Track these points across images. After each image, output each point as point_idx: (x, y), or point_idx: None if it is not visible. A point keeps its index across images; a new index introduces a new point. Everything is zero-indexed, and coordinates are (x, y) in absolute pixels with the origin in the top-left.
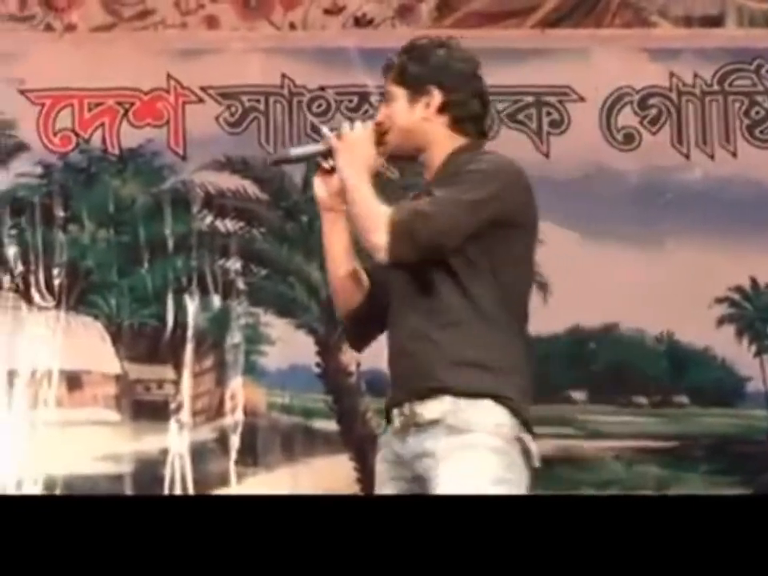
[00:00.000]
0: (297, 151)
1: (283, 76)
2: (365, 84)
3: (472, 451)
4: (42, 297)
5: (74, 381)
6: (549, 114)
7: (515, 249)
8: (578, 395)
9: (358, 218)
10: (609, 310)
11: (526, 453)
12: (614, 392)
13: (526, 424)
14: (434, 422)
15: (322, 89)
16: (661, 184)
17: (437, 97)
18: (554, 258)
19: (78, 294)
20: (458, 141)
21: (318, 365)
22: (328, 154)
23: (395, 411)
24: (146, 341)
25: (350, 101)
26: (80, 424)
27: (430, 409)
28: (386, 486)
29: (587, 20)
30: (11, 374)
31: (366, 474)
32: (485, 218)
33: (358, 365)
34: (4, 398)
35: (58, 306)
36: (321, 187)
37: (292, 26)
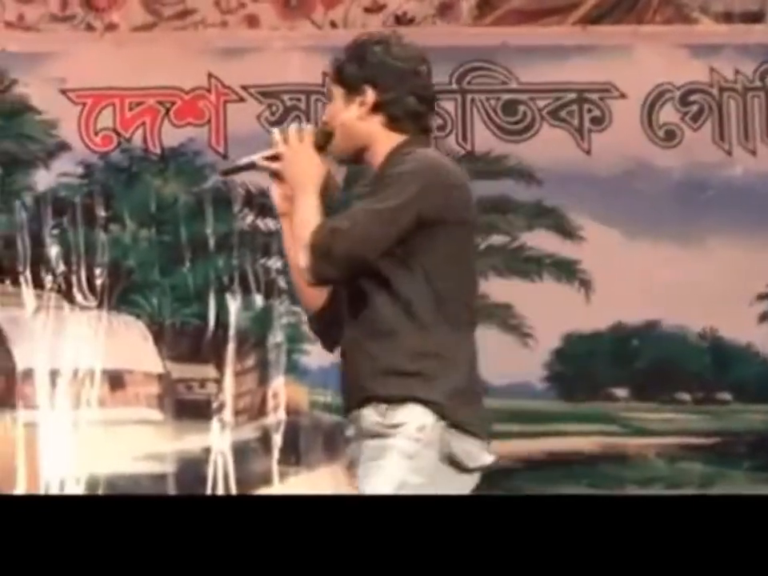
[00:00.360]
0: (245, 160)
1: (324, 74)
2: None
3: (383, 456)
4: (84, 296)
5: (116, 380)
6: (590, 110)
7: (447, 249)
8: (621, 392)
9: (290, 245)
10: (651, 307)
11: (450, 456)
12: (656, 389)
13: (458, 426)
14: (364, 431)
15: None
16: (702, 181)
17: (370, 96)
18: (596, 256)
19: (119, 294)
20: (397, 139)
21: None
22: (277, 159)
23: (345, 421)
24: (188, 340)
25: None
26: (122, 423)
27: (364, 417)
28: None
29: (628, 17)
30: (54, 374)
31: None
32: (406, 223)
33: None
34: (47, 397)
35: (100, 305)
36: (275, 192)
37: (333, 25)
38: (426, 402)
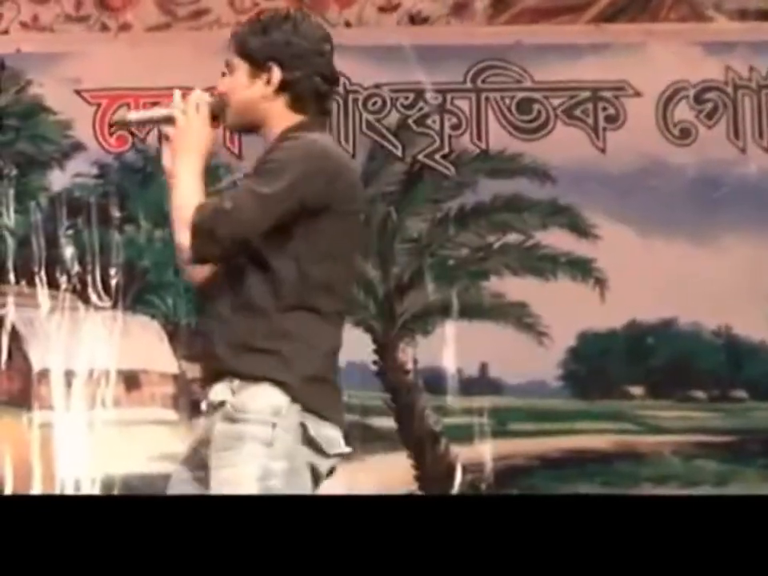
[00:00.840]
0: (135, 115)
1: (338, 74)
2: (420, 81)
3: (238, 446)
4: (99, 297)
5: (131, 380)
6: (605, 108)
7: (328, 237)
8: (636, 390)
9: (172, 213)
10: (666, 305)
11: (309, 440)
12: (671, 387)
13: (312, 411)
14: (218, 406)
15: (377, 86)
16: (717, 178)
17: (276, 74)
18: (610, 254)
19: (134, 294)
20: (294, 119)
21: (375, 362)
22: (169, 121)
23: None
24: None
25: (406, 98)
26: (138, 423)
27: (215, 391)
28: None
29: (643, 15)
30: (69, 374)
31: (423, 471)
32: (284, 209)
33: (416, 362)
34: (62, 398)
35: (114, 305)
36: (166, 155)
37: (347, 24)
38: (280, 383)
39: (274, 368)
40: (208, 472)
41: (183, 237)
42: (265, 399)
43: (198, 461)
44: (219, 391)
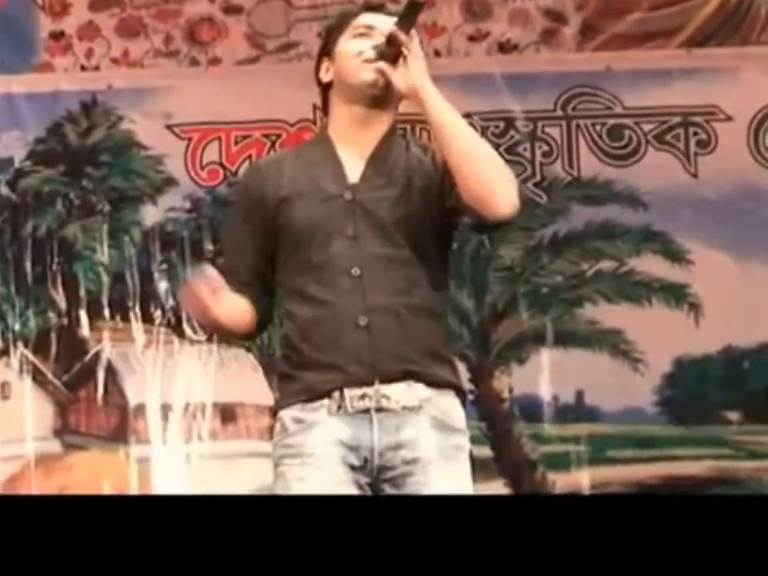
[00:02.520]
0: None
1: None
2: (510, 110)
3: (462, 457)
4: (194, 330)
5: (227, 413)
6: (696, 133)
7: None
8: (734, 416)
9: (485, 163)
10: (762, 328)
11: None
12: None
13: None
14: (409, 409)
15: (468, 115)
16: None
17: None
18: (704, 279)
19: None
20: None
21: (471, 391)
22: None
23: (348, 392)
24: None
25: (497, 126)
26: (234, 456)
27: (401, 393)
28: (335, 470)
29: (733, 38)
30: (165, 408)
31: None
32: None
33: (511, 390)
34: (159, 432)
35: (209, 339)
36: (406, 74)
37: (436, 53)
38: (459, 392)
39: (454, 375)
40: (405, 477)
41: (513, 190)
42: (459, 409)
43: (367, 466)
44: (406, 394)
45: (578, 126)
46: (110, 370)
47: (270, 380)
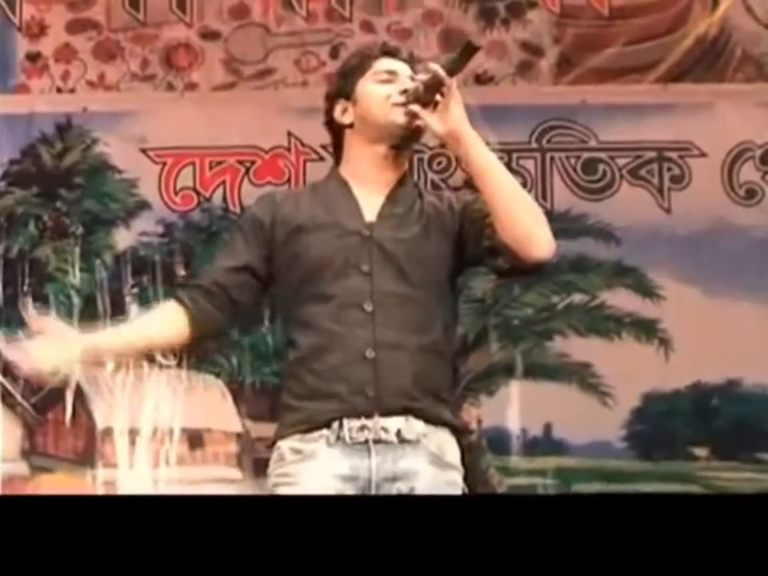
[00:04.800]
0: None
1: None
2: (486, 141)
3: (454, 492)
4: (164, 355)
5: (195, 439)
6: (670, 169)
7: None
8: (701, 452)
9: (525, 205)
10: (731, 366)
11: None
12: (737, 448)
13: None
14: (408, 442)
15: (443, 146)
16: None
17: None
18: (675, 314)
19: (199, 353)
20: None
21: None
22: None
23: (347, 423)
24: (268, 399)
25: None
26: (201, 482)
27: (400, 427)
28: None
29: (709, 74)
30: (133, 433)
31: None
32: None
33: (480, 422)
34: (126, 456)
35: (179, 364)
36: (444, 119)
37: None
38: (455, 431)
39: (452, 415)
40: None
41: (545, 231)
42: (455, 446)
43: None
44: (405, 428)
45: (552, 158)
46: (79, 393)
47: (238, 406)
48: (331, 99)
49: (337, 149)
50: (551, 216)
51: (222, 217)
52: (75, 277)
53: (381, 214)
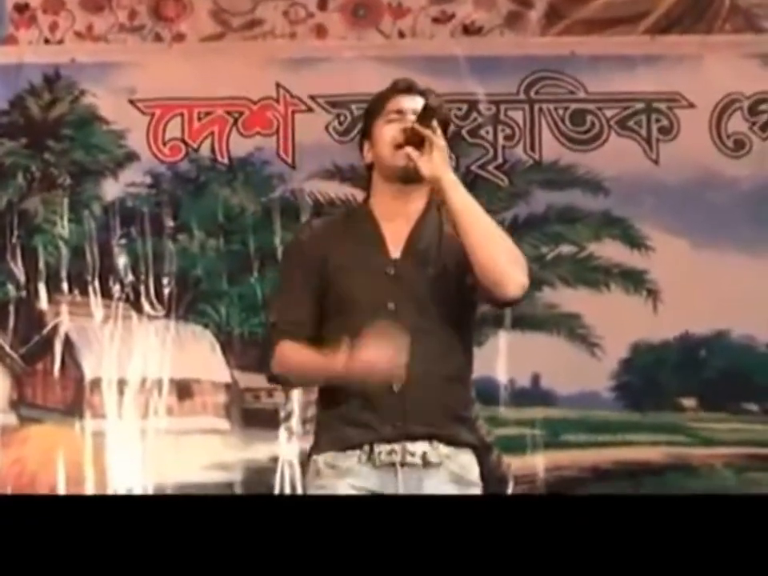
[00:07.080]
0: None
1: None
2: (473, 92)
3: None
4: (152, 306)
5: (184, 389)
6: (658, 120)
7: None
8: (689, 402)
9: (500, 247)
10: (719, 317)
11: None
12: (724, 399)
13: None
14: (431, 465)
15: None
16: None
17: None
18: (663, 266)
19: (187, 303)
20: None
21: None
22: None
23: (377, 447)
24: (256, 349)
25: (459, 109)
26: (190, 432)
27: (425, 451)
28: None
29: (697, 26)
30: (121, 383)
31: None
32: None
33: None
34: (115, 407)
35: (167, 315)
36: (430, 162)
37: (401, 35)
38: (475, 449)
39: (473, 435)
40: None
41: (522, 274)
42: (475, 465)
43: None
44: (429, 451)
45: (540, 110)
46: (68, 344)
47: (227, 357)
48: (360, 139)
49: (368, 184)
50: (540, 167)
51: (210, 168)
52: (64, 228)
53: (405, 250)
